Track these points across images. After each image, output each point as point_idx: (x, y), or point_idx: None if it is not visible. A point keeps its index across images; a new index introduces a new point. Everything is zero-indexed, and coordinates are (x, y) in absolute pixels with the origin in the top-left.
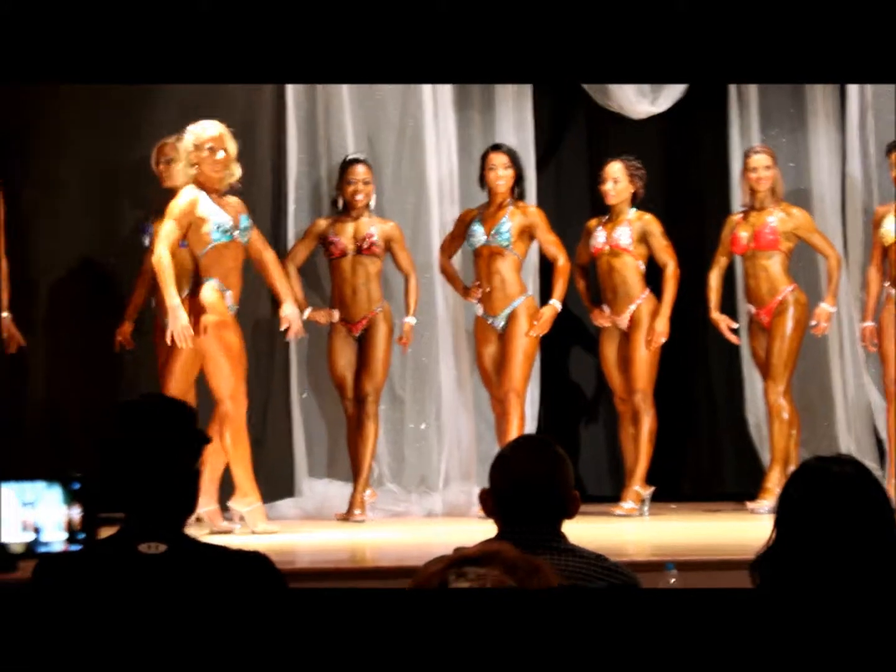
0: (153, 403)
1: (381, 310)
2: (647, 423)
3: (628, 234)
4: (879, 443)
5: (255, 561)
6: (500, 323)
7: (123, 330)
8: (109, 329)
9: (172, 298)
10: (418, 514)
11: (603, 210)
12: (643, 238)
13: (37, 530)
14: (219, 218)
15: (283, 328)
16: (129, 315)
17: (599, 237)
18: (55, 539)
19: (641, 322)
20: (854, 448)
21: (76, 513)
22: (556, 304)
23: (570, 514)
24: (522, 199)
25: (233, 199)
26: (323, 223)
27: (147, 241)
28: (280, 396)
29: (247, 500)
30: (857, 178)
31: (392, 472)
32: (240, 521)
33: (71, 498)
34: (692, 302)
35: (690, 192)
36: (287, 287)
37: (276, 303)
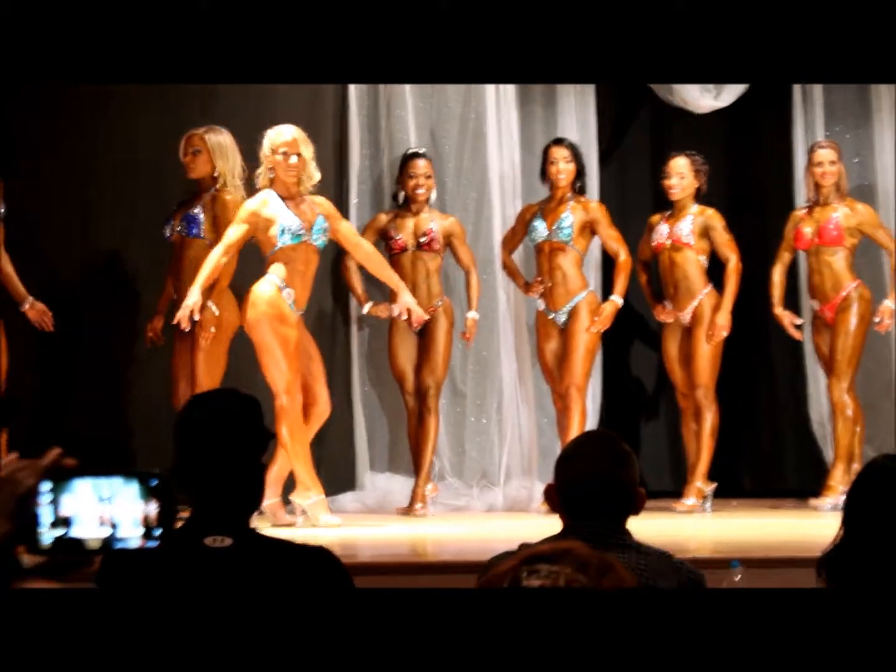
0: (221, 398)
1: (442, 304)
2: (710, 418)
3: (690, 229)
4: None
5: (320, 555)
6: (561, 318)
7: (154, 325)
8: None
9: (196, 286)
10: (479, 508)
11: (665, 205)
12: (705, 233)
13: (113, 526)
14: (287, 221)
15: (403, 318)
16: (161, 309)
17: (662, 232)
18: (131, 535)
19: (703, 317)
20: None
21: (153, 508)
22: (616, 299)
23: (636, 511)
24: (583, 193)
25: (319, 199)
26: (384, 218)
27: (168, 234)
28: (341, 390)
29: (308, 494)
30: None
31: (453, 467)
32: (301, 515)
33: (148, 494)
34: (755, 298)
35: (753, 187)
36: (396, 276)
37: (336, 297)
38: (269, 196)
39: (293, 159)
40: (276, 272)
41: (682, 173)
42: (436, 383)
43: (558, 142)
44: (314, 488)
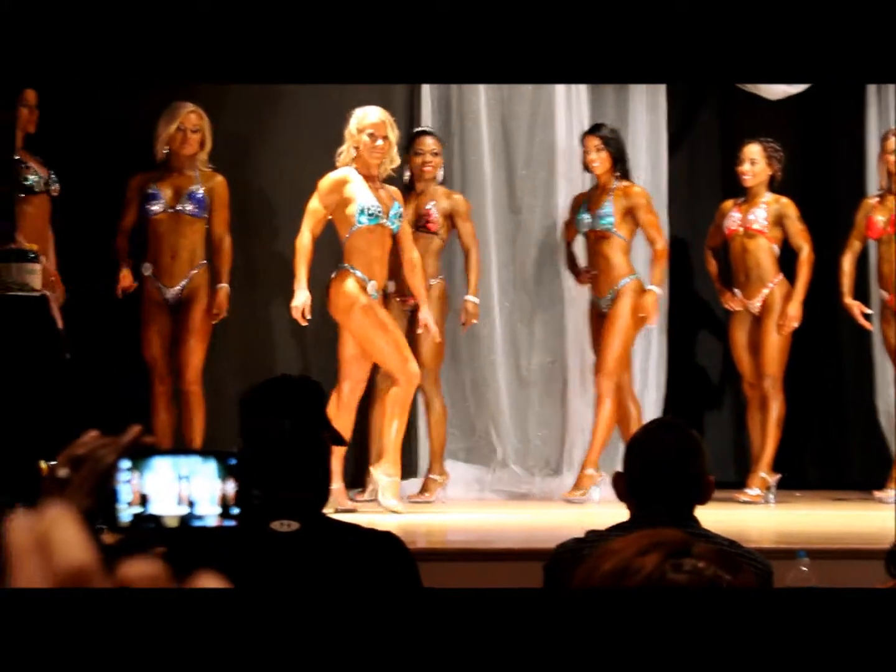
0: (286, 383)
1: (437, 283)
2: (776, 408)
3: (764, 217)
4: None
5: (387, 540)
6: (605, 305)
7: (125, 276)
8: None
9: (299, 281)
10: (539, 496)
11: (735, 192)
12: (779, 221)
13: (191, 504)
14: (366, 200)
15: (419, 331)
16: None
17: (734, 218)
18: (209, 513)
19: (774, 306)
20: None
21: (231, 487)
22: (655, 289)
23: (704, 499)
24: (627, 178)
25: (391, 188)
26: None
27: (160, 209)
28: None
29: (388, 472)
30: None
31: (517, 454)
32: (371, 487)
33: (226, 473)
34: (824, 286)
35: (825, 174)
36: (423, 288)
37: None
38: (350, 173)
39: (379, 142)
40: (357, 262)
41: (754, 159)
42: (427, 366)
43: (590, 131)
44: (395, 469)
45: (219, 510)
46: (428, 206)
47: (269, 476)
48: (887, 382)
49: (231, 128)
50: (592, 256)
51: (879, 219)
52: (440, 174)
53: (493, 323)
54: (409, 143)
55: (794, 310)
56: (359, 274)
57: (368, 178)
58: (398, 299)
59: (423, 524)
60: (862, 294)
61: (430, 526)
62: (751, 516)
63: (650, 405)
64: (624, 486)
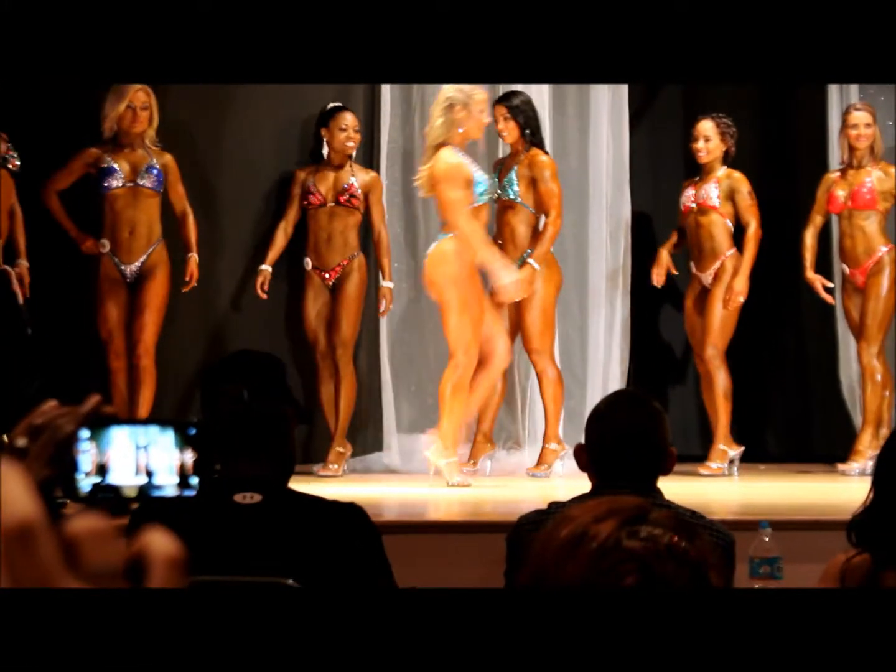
0: (247, 357)
1: (356, 258)
2: (721, 381)
3: (716, 193)
4: None
5: (351, 512)
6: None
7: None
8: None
9: (496, 259)
10: (505, 470)
11: (697, 167)
12: (731, 196)
13: (149, 474)
14: (482, 178)
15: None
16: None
17: (688, 195)
18: (167, 483)
19: (723, 279)
20: None
21: (189, 457)
22: (533, 263)
23: (666, 470)
24: (538, 147)
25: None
26: (301, 174)
27: (118, 183)
28: (369, 352)
29: (446, 453)
30: None
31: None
32: (436, 473)
33: (184, 442)
34: (787, 261)
35: (787, 150)
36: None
37: (367, 255)
38: (459, 154)
39: (487, 118)
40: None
41: (708, 136)
42: (343, 340)
43: (499, 100)
44: (451, 449)
45: (177, 480)
46: (350, 181)
47: (231, 449)
48: (850, 356)
49: (175, 111)
50: (498, 225)
51: (840, 193)
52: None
53: None
54: (325, 119)
55: (740, 284)
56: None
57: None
58: (317, 274)
59: (392, 497)
60: (825, 269)
61: (398, 499)
62: (714, 488)
63: (614, 378)
64: (586, 458)
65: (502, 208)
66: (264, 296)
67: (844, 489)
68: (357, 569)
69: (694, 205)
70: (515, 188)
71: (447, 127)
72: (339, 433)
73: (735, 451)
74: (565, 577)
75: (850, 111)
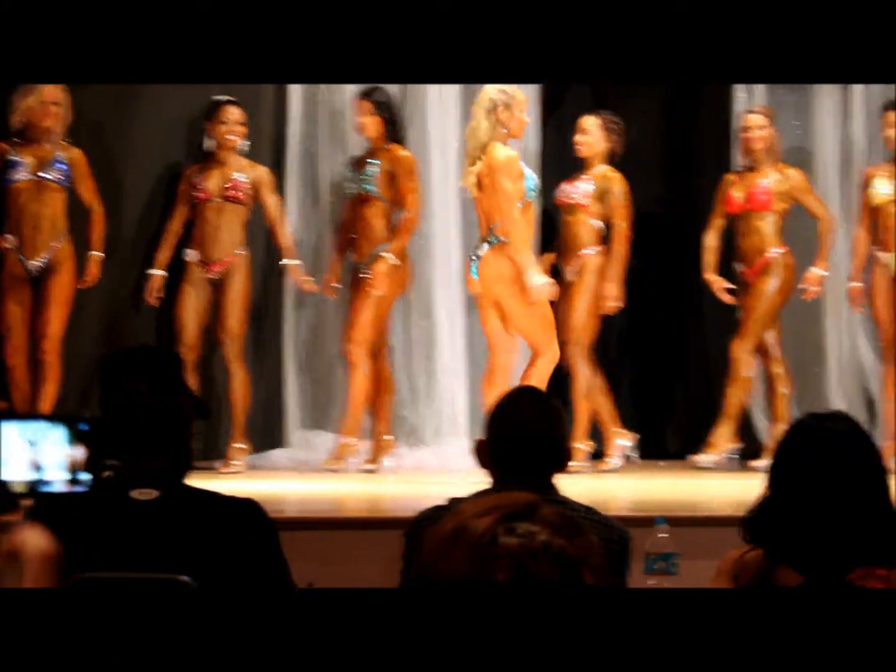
0: (143, 352)
1: (242, 255)
2: (581, 379)
3: (587, 191)
4: (871, 404)
5: (247, 507)
6: (363, 269)
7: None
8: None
9: (531, 260)
10: (408, 466)
11: (611, 162)
12: (603, 196)
13: (39, 469)
14: (531, 175)
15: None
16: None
17: (561, 189)
18: (57, 478)
19: (585, 277)
20: (845, 408)
21: (79, 453)
22: (389, 258)
23: (563, 467)
24: (398, 142)
25: None
26: (189, 171)
27: (22, 176)
28: (272, 347)
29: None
30: (859, 139)
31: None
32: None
33: (75, 438)
34: (691, 261)
35: (693, 151)
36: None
37: (269, 251)
38: (510, 149)
39: (527, 119)
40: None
41: (587, 130)
42: (230, 336)
43: (362, 95)
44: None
45: (68, 476)
46: (236, 177)
47: (128, 444)
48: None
49: (84, 107)
50: (354, 219)
51: (737, 195)
52: (243, 144)
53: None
54: (210, 113)
55: (612, 290)
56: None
57: None
58: (201, 267)
59: (292, 493)
60: (729, 270)
61: (300, 495)
62: (611, 485)
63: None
64: (485, 454)
65: (359, 202)
66: (156, 303)
67: (741, 485)
68: (253, 565)
69: (566, 200)
70: (374, 182)
71: (492, 128)
72: (237, 429)
73: (630, 441)
74: (447, 570)
75: (745, 114)
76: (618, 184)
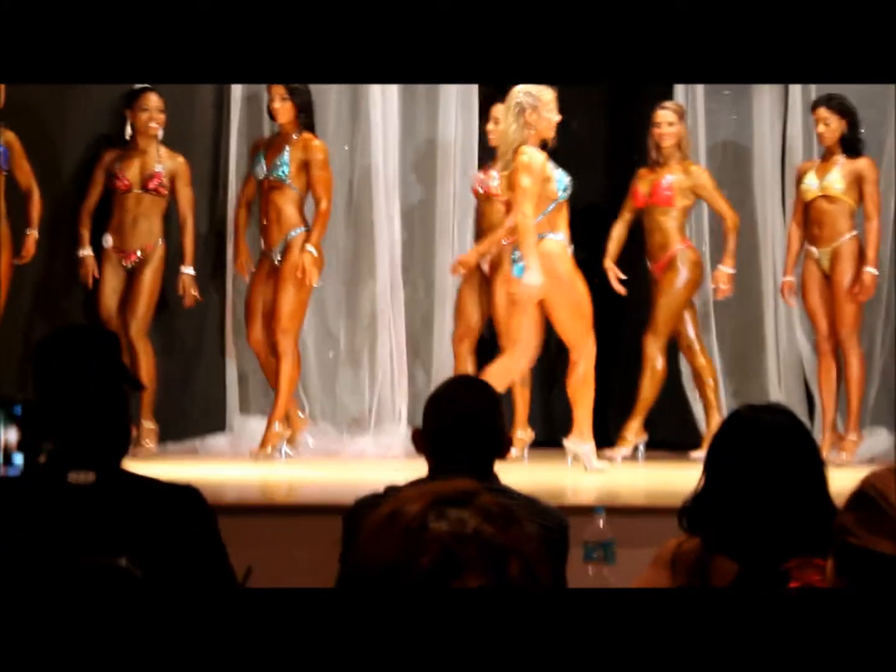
0: (80, 332)
1: (159, 247)
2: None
3: (499, 178)
4: (810, 397)
5: (186, 493)
6: (276, 257)
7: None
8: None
9: (535, 258)
10: (350, 454)
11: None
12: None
13: None
14: (562, 176)
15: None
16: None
17: (477, 178)
18: None
19: (504, 265)
20: (784, 400)
21: (13, 436)
22: (311, 250)
23: (503, 455)
24: (310, 130)
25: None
26: (109, 156)
27: None
28: (214, 332)
29: (584, 440)
30: (797, 134)
31: (324, 412)
32: (574, 459)
33: (8, 420)
34: (637, 252)
35: (634, 144)
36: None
37: (219, 236)
38: (539, 151)
39: (555, 118)
40: (560, 229)
41: (497, 119)
42: (136, 321)
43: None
44: (588, 435)
45: (0, 458)
46: (156, 168)
47: (64, 425)
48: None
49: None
50: (264, 205)
51: (642, 189)
52: (161, 133)
53: None
54: (129, 100)
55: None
56: (564, 239)
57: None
58: (116, 254)
59: (231, 479)
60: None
61: (241, 481)
62: (551, 475)
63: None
64: (423, 441)
65: (269, 188)
66: (91, 284)
67: (679, 475)
68: (192, 551)
69: (479, 188)
70: (286, 169)
71: (520, 130)
72: (146, 408)
73: (528, 435)
74: (379, 554)
75: (656, 109)
76: (524, 170)
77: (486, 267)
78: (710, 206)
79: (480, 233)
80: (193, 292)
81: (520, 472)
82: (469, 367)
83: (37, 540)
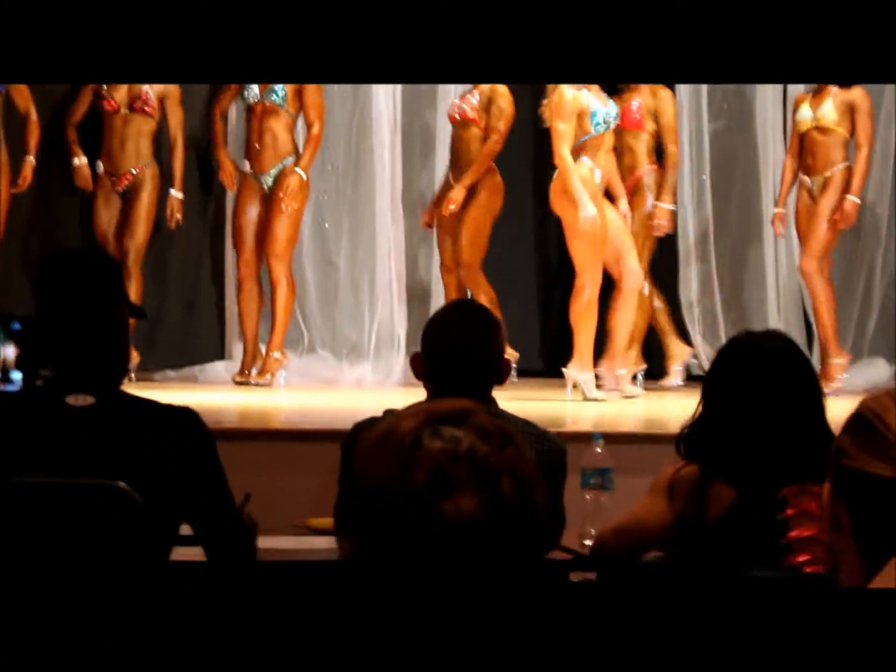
0: (81, 255)
1: (149, 167)
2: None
3: (476, 104)
4: (809, 326)
5: (184, 415)
6: (267, 181)
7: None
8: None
9: (580, 196)
10: (348, 381)
11: None
12: (488, 108)
13: None
14: (599, 109)
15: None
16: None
17: (453, 105)
18: None
19: (481, 192)
20: (783, 329)
21: (11, 352)
22: (301, 173)
23: (501, 380)
24: None
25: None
26: None
27: None
28: (213, 260)
29: (584, 369)
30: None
31: (323, 340)
32: (573, 388)
33: (7, 337)
34: None
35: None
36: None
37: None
38: (571, 88)
39: None
40: (590, 154)
41: None
42: (135, 246)
43: None
44: (588, 364)
45: None
46: (145, 89)
47: (64, 348)
48: (690, 276)
49: None
50: (256, 129)
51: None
52: None
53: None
54: None
55: (456, 194)
56: (590, 162)
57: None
58: (108, 179)
59: (233, 406)
60: None
61: (241, 407)
62: (550, 403)
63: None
64: (422, 366)
65: (263, 112)
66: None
67: (678, 405)
68: (190, 473)
69: (457, 115)
70: (281, 93)
71: None
72: None
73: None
74: (374, 472)
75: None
76: (501, 97)
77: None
78: (659, 132)
79: (455, 157)
80: (178, 216)
81: (518, 401)
82: (459, 296)
83: (34, 459)
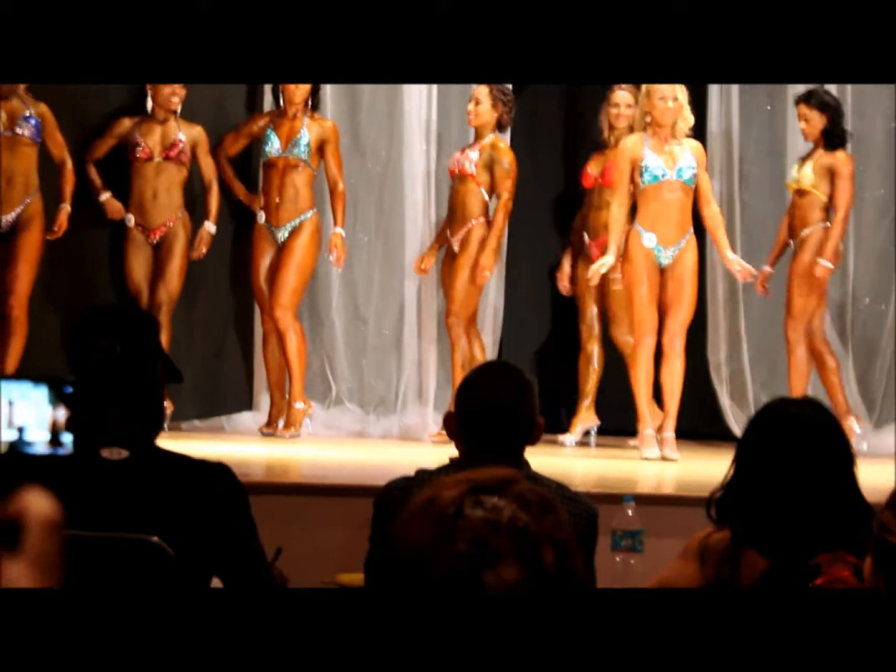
0: (118, 311)
1: (181, 218)
2: (457, 351)
3: (476, 160)
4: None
5: (218, 471)
6: (282, 235)
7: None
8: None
9: (615, 246)
10: (375, 435)
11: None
12: (490, 165)
13: (20, 430)
14: (653, 164)
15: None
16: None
17: (454, 158)
18: (38, 439)
19: (468, 248)
20: (811, 393)
21: (61, 414)
22: (340, 231)
23: (534, 441)
24: (317, 109)
25: (693, 143)
26: (127, 123)
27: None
28: (241, 311)
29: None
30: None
31: (351, 392)
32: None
33: (57, 399)
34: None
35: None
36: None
37: (248, 215)
38: (639, 138)
39: (671, 104)
40: (641, 218)
41: (479, 99)
42: (169, 298)
43: None
44: (646, 421)
45: (48, 436)
46: (178, 137)
47: (99, 403)
48: (718, 337)
49: None
50: (276, 182)
51: (592, 171)
52: (179, 107)
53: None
54: None
55: (486, 259)
56: (638, 227)
57: (659, 139)
58: (140, 232)
59: (260, 458)
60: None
61: (268, 460)
62: (578, 462)
63: (487, 347)
64: (455, 426)
65: (285, 167)
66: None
67: (708, 466)
68: (223, 529)
69: (456, 170)
70: (304, 148)
71: (640, 118)
72: None
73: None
74: (413, 540)
75: (613, 90)
76: (505, 155)
77: (457, 245)
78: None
79: (452, 211)
80: (204, 249)
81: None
82: (461, 344)
83: (68, 512)
